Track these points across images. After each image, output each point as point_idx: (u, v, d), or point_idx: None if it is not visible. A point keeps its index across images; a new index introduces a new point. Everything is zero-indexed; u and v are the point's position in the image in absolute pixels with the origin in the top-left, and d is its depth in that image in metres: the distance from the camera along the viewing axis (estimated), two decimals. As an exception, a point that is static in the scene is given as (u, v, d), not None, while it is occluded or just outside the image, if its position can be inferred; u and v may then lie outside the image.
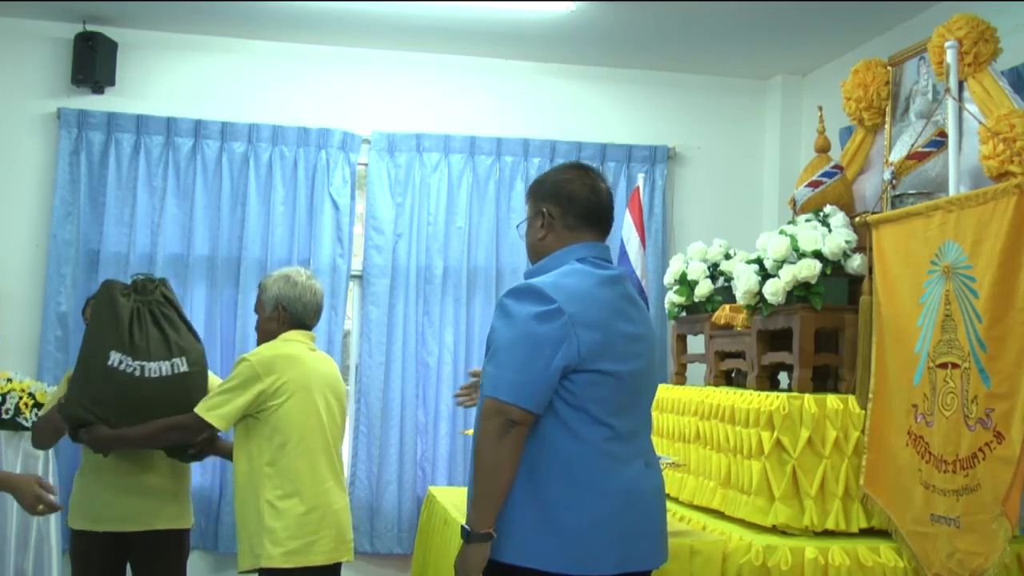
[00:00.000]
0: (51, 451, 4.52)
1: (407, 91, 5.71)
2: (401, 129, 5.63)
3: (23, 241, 5.31)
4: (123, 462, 3.46)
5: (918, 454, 3.25)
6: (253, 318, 3.57)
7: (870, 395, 3.48)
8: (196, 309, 5.35)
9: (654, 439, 2.90)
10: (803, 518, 3.45)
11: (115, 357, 3.29)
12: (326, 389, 3.35)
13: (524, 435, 2.32)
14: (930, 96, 3.86)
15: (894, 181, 3.78)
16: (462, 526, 2.38)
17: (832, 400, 3.53)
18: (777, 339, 3.86)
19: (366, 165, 5.62)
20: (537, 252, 2.55)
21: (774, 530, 3.47)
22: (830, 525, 3.45)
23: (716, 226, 5.49)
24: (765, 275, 3.80)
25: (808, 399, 3.51)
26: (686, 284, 4.49)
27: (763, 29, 5.20)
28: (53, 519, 4.68)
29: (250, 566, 3.17)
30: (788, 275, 3.66)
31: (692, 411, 4.06)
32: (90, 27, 5.27)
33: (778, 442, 3.48)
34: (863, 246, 3.69)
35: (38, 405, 4.66)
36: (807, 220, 3.86)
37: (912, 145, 3.80)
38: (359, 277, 5.62)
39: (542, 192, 2.56)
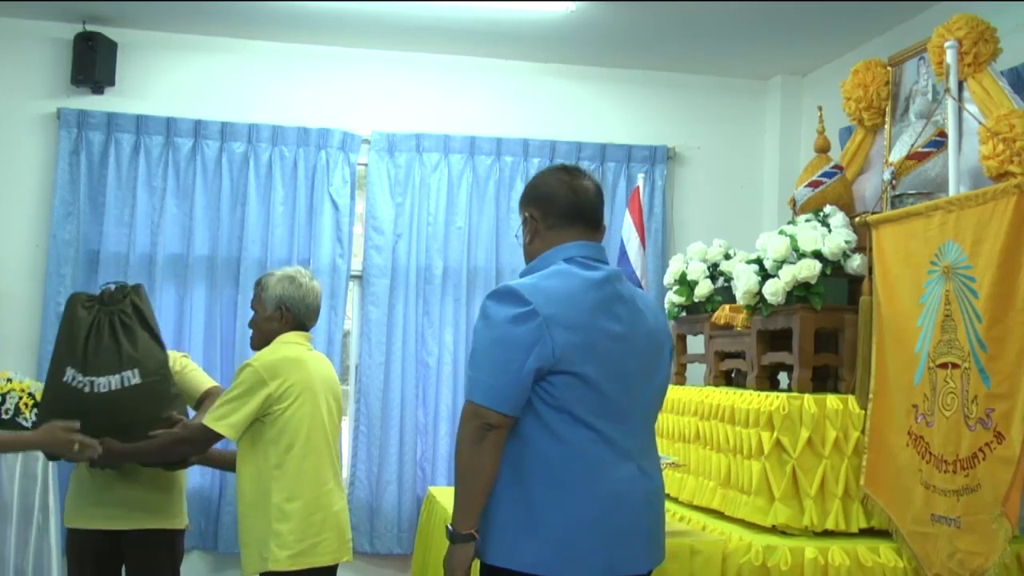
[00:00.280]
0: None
1: (407, 91, 5.71)
2: (401, 129, 5.63)
3: (23, 241, 5.31)
4: None
5: (918, 454, 3.26)
6: (254, 318, 3.56)
7: (870, 395, 3.48)
8: (196, 309, 5.35)
9: (654, 439, 2.88)
10: (803, 518, 3.45)
11: (69, 373, 3.28)
12: (326, 390, 3.35)
13: (503, 437, 2.33)
14: (930, 96, 3.87)
15: (894, 181, 3.78)
16: (446, 526, 2.40)
17: (832, 400, 3.53)
18: (777, 339, 3.86)
19: (366, 165, 5.62)
20: (528, 256, 2.56)
21: (774, 530, 3.47)
22: (830, 525, 3.45)
23: (716, 226, 5.49)
24: (765, 275, 3.80)
25: (808, 399, 3.51)
26: (686, 284, 4.49)
27: (763, 29, 5.20)
28: (53, 519, 4.68)
29: (256, 570, 3.17)
30: (788, 275, 3.66)
31: (692, 411, 4.06)
32: (90, 27, 5.27)
33: (778, 442, 3.48)
34: (863, 246, 3.69)
35: (38, 405, 4.66)
36: (807, 220, 3.87)
37: (912, 145, 3.81)
38: (359, 277, 5.62)
39: (525, 197, 2.58)
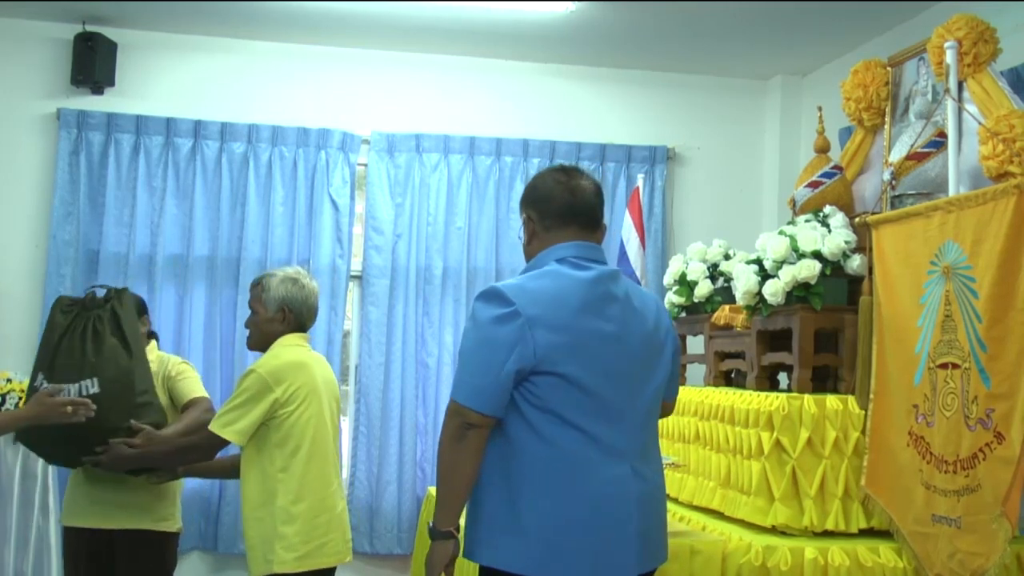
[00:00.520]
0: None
1: (407, 91, 5.71)
2: (401, 129, 5.63)
3: (23, 241, 5.31)
4: None
5: (919, 454, 3.25)
6: (253, 319, 3.56)
7: (871, 395, 3.48)
8: (196, 309, 5.35)
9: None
10: (803, 518, 3.45)
11: (39, 379, 3.28)
12: (327, 391, 3.35)
13: (483, 436, 2.35)
14: (930, 96, 3.87)
15: (894, 181, 3.78)
16: (428, 523, 2.43)
17: (832, 400, 3.53)
18: (777, 339, 3.86)
19: (366, 165, 5.62)
20: (527, 256, 2.57)
21: (774, 530, 3.47)
22: (829, 525, 3.45)
23: (716, 226, 5.48)
24: (765, 275, 3.80)
25: (808, 399, 3.51)
26: (686, 284, 4.49)
27: (763, 29, 5.20)
28: (52, 520, 4.68)
29: (262, 572, 3.17)
30: (788, 275, 3.66)
31: (692, 411, 4.06)
32: (90, 27, 5.27)
33: (778, 442, 3.48)
34: (863, 246, 3.69)
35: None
36: (807, 220, 3.86)
37: (912, 145, 3.81)
38: (359, 277, 5.62)
39: (523, 198, 2.59)
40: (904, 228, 3.41)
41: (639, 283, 4.97)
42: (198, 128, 5.41)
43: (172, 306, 5.31)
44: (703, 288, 4.40)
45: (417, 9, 5.04)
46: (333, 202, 5.52)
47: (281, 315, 3.33)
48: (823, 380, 3.80)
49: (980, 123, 3.32)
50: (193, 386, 3.63)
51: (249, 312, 3.41)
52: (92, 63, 5.24)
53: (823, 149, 4.19)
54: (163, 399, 3.62)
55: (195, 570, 5.28)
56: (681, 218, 5.94)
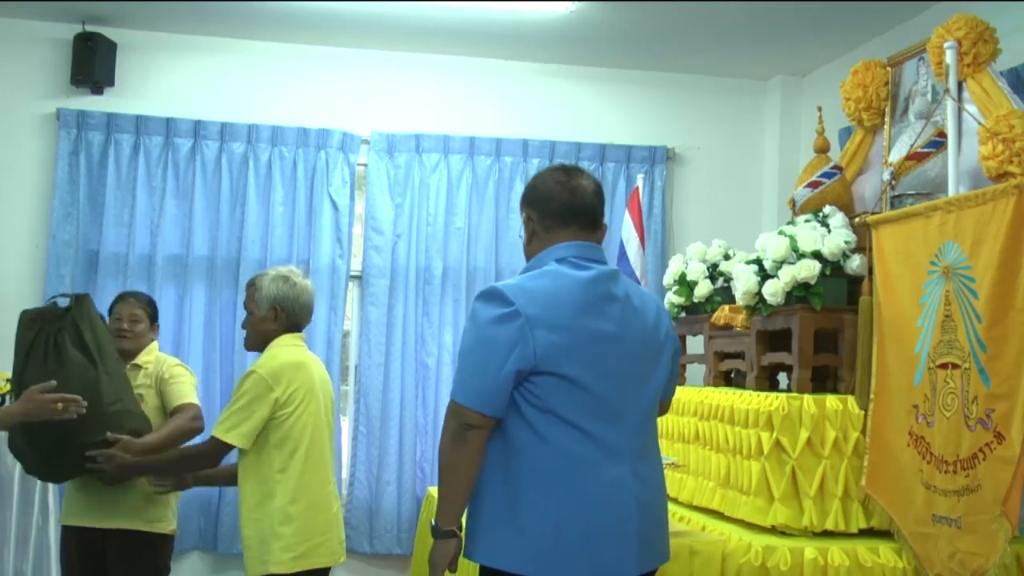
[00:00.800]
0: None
1: (406, 92, 5.71)
2: (400, 130, 5.63)
3: (23, 241, 5.31)
4: None
5: (919, 454, 3.25)
6: (253, 319, 3.55)
7: (871, 395, 3.48)
8: (195, 310, 5.35)
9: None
10: (802, 518, 3.45)
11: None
12: (323, 392, 3.35)
13: (483, 437, 2.35)
14: (929, 96, 3.87)
15: (893, 182, 3.78)
16: (430, 522, 2.43)
17: (831, 401, 3.53)
18: (776, 339, 3.86)
19: (365, 166, 5.62)
20: (527, 256, 2.57)
21: (773, 530, 3.47)
22: (829, 525, 3.45)
23: (715, 226, 5.49)
24: (764, 276, 3.80)
25: (807, 400, 3.51)
26: (685, 284, 4.49)
27: (763, 29, 5.20)
28: (52, 520, 4.68)
29: (258, 572, 3.17)
30: (787, 276, 3.66)
31: (692, 411, 4.06)
32: (89, 27, 5.27)
33: (777, 442, 3.48)
34: (862, 247, 3.69)
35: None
36: (806, 221, 3.86)
37: (911, 146, 3.81)
38: (358, 278, 5.62)
39: (523, 198, 2.59)
40: (904, 228, 3.41)
41: (639, 283, 4.96)
42: (198, 128, 5.41)
43: (172, 306, 5.30)
44: (703, 288, 4.40)
45: (417, 9, 5.04)
46: (333, 202, 5.52)
47: (273, 314, 3.32)
48: (823, 380, 3.80)
49: (980, 123, 3.32)
50: (182, 392, 3.61)
51: (246, 313, 3.41)
52: (92, 63, 5.24)
53: (823, 149, 4.19)
54: (155, 402, 3.62)
55: (195, 570, 5.28)
56: (681, 218, 5.94)
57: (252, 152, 5.46)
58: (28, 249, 5.31)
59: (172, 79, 5.49)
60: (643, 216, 5.26)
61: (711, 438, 3.87)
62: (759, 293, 3.81)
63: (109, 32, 5.30)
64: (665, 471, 2.70)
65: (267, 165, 5.48)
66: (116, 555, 3.53)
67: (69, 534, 3.60)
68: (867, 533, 3.47)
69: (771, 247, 3.75)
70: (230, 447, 3.17)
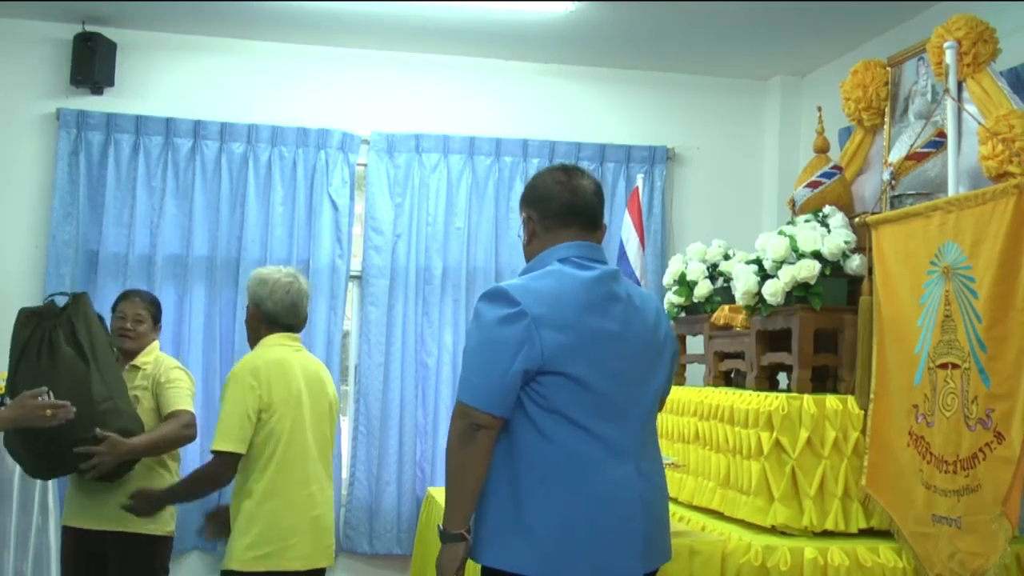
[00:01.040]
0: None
1: (406, 92, 5.71)
2: (400, 130, 5.63)
3: (22, 241, 5.31)
4: None
5: (919, 454, 3.25)
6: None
7: (871, 395, 3.48)
8: (195, 310, 5.35)
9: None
10: (802, 518, 3.45)
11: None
12: (312, 392, 3.31)
13: (492, 437, 2.34)
14: (929, 96, 3.87)
15: (893, 182, 3.78)
16: (437, 526, 2.42)
17: (831, 400, 3.53)
18: (776, 339, 3.86)
19: (365, 166, 5.62)
20: (527, 256, 2.57)
21: (773, 530, 3.47)
22: (829, 525, 3.45)
23: (715, 226, 5.48)
24: (764, 276, 3.80)
25: (807, 399, 3.51)
26: (685, 284, 4.49)
27: (763, 29, 5.20)
28: (52, 520, 4.68)
29: (224, 566, 3.20)
30: (787, 276, 3.66)
31: (691, 411, 4.06)
32: (89, 27, 5.27)
33: (777, 442, 3.48)
34: (862, 247, 3.69)
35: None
36: (806, 221, 3.86)
37: (911, 146, 3.80)
38: (358, 278, 5.62)
39: (523, 198, 2.59)
40: (904, 228, 3.41)
41: (639, 283, 4.96)
42: (197, 128, 5.41)
43: (171, 306, 5.30)
44: (703, 288, 4.40)
45: (417, 9, 5.04)
46: (333, 202, 5.52)
47: (254, 312, 3.34)
48: (823, 380, 3.80)
49: (980, 123, 3.32)
50: (178, 397, 3.61)
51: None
52: (92, 63, 5.24)
53: (823, 149, 4.19)
54: (151, 404, 3.62)
55: (195, 570, 5.28)
56: (681, 218, 5.94)
57: (252, 152, 5.46)
58: (28, 249, 5.31)
59: (172, 79, 5.49)
60: (643, 216, 5.26)
61: (711, 438, 3.87)
62: (759, 293, 3.81)
63: (109, 32, 5.30)
64: (665, 471, 2.70)
65: (267, 165, 5.48)
66: (115, 556, 3.54)
67: (69, 535, 3.61)
68: (867, 533, 3.47)
69: (771, 247, 3.75)
70: (236, 456, 3.16)
